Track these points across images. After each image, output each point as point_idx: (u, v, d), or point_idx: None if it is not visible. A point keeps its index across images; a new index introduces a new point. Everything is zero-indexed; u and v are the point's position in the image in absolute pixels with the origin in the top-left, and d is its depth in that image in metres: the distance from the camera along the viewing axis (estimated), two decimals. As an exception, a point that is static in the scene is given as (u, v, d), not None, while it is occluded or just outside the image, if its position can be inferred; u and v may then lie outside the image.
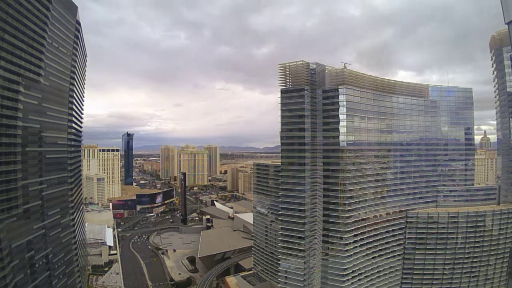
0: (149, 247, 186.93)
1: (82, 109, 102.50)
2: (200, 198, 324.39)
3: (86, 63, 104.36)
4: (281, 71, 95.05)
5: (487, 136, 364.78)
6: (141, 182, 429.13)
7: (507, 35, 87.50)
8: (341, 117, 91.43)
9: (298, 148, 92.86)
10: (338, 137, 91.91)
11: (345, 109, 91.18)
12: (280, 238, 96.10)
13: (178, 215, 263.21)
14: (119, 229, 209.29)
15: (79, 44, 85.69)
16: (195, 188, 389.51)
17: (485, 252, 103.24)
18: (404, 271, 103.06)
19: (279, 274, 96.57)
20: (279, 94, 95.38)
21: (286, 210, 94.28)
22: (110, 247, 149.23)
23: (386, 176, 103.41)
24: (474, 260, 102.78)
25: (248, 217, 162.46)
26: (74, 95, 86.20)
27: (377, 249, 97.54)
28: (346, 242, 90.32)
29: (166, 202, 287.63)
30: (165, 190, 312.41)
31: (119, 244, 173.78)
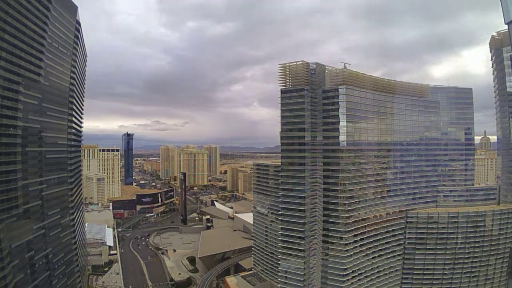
0: (149, 247, 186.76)
1: (82, 109, 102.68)
2: (200, 198, 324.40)
3: (86, 63, 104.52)
4: (281, 71, 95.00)
5: (487, 136, 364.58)
6: (141, 182, 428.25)
7: (507, 35, 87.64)
8: (341, 117, 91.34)
9: (298, 148, 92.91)
10: (338, 137, 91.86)
11: (345, 109, 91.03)
12: (280, 238, 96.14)
13: (178, 216, 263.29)
14: (119, 229, 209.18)
15: (79, 44, 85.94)
16: (195, 188, 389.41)
17: (485, 252, 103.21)
18: (404, 271, 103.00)
19: (279, 274, 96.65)
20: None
21: (286, 210, 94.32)
22: (110, 247, 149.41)
23: (386, 176, 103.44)
24: (474, 260, 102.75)
25: (248, 217, 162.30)
26: (74, 95, 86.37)
27: (377, 249, 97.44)
28: (346, 242, 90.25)
29: (166, 202, 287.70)
30: (165, 190, 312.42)
31: (119, 244, 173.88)
